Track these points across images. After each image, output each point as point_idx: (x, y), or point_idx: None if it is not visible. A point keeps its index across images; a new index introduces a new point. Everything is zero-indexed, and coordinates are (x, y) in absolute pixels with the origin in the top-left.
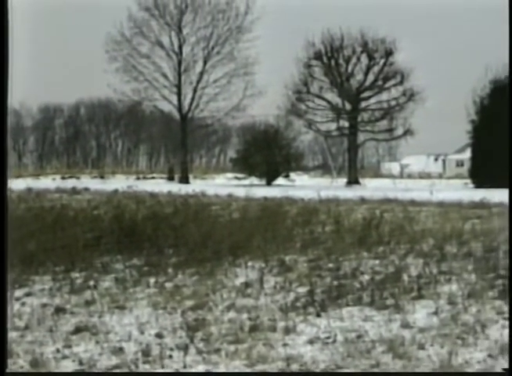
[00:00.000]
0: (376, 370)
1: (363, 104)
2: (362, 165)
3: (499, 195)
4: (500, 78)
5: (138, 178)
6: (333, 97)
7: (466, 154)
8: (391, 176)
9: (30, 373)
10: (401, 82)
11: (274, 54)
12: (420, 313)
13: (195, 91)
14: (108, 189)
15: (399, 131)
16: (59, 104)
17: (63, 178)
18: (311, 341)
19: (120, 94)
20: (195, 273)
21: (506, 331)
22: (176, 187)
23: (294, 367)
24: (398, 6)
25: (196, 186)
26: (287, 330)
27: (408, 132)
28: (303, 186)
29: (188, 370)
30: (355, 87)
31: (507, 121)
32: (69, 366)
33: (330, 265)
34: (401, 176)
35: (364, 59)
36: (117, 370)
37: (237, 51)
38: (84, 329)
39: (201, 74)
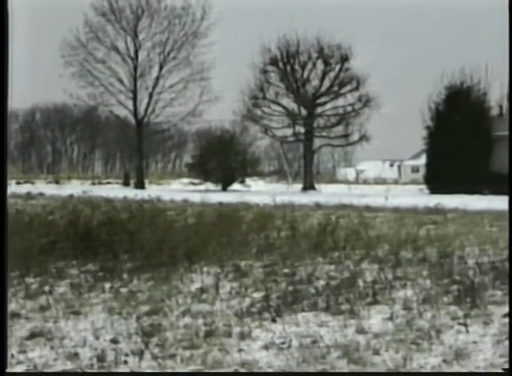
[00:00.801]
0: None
1: (319, 110)
2: (318, 171)
3: (453, 201)
4: (455, 84)
5: (93, 184)
6: (289, 103)
7: (422, 160)
8: (346, 182)
9: (30, 373)
10: (356, 88)
11: (230, 59)
12: (375, 319)
13: (151, 96)
14: (63, 194)
15: (355, 136)
16: (15, 110)
17: (17, 183)
18: (266, 347)
19: (76, 99)
20: (150, 279)
21: (461, 337)
22: (132, 192)
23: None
24: (353, 11)
25: (151, 191)
26: (242, 336)
27: (363, 138)
28: (259, 192)
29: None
30: (310, 93)
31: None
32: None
33: (286, 270)
34: (356, 182)
35: (320, 65)
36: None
37: (193, 56)
38: (39, 334)
39: (157, 79)
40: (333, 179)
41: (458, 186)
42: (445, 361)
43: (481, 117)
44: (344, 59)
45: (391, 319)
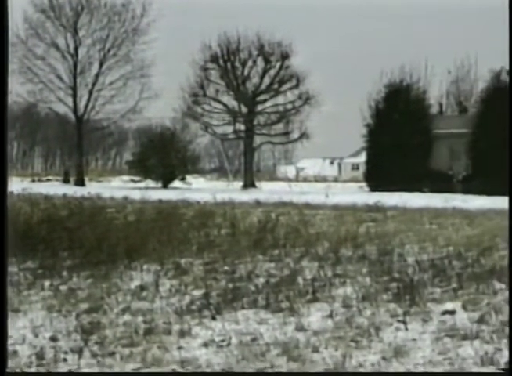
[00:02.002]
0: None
1: (259, 107)
2: (259, 168)
3: (393, 198)
4: (395, 82)
5: (33, 181)
6: (230, 100)
7: (362, 158)
8: (286, 179)
9: (30, 373)
10: (297, 86)
11: (170, 56)
12: (315, 316)
13: (90, 93)
14: None
15: (295, 134)
16: None
17: None
18: (205, 344)
19: (16, 96)
20: (90, 276)
21: (400, 334)
22: (71, 190)
23: (188, 370)
24: (294, 9)
25: (91, 188)
26: (182, 334)
27: (304, 136)
28: (199, 189)
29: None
30: (251, 90)
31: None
32: None
33: (226, 268)
34: (297, 179)
35: (260, 63)
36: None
37: (133, 53)
38: None
39: (97, 76)
40: (273, 177)
41: (398, 184)
42: (384, 358)
43: (420, 114)
44: (285, 56)
45: (330, 316)
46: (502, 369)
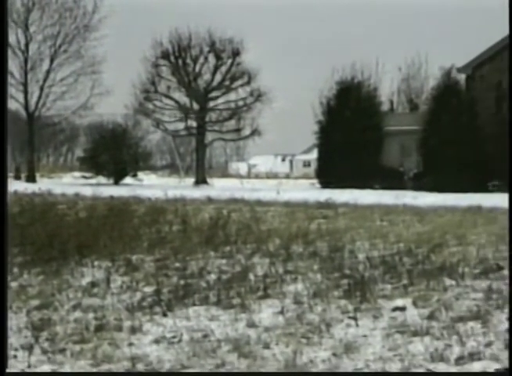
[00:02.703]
0: (221, 369)
1: (211, 104)
2: (210, 165)
3: (344, 195)
4: (346, 79)
5: None
6: (181, 97)
7: (313, 155)
8: (238, 176)
9: (30, 373)
10: (248, 82)
11: (122, 53)
12: (266, 313)
13: (42, 89)
14: None
15: (247, 131)
16: None
17: None
18: (156, 341)
19: None
20: (41, 273)
21: (351, 330)
22: (22, 186)
23: (139, 367)
24: (245, 6)
25: (42, 184)
26: (133, 330)
27: (255, 132)
28: (151, 186)
29: (33, 370)
30: (202, 87)
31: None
32: None
33: (177, 264)
34: (248, 176)
35: (212, 59)
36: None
37: (84, 49)
38: None
39: (48, 72)
40: (225, 173)
41: (349, 181)
42: (334, 355)
43: (371, 112)
44: (236, 53)
45: (281, 313)
46: (504, 369)
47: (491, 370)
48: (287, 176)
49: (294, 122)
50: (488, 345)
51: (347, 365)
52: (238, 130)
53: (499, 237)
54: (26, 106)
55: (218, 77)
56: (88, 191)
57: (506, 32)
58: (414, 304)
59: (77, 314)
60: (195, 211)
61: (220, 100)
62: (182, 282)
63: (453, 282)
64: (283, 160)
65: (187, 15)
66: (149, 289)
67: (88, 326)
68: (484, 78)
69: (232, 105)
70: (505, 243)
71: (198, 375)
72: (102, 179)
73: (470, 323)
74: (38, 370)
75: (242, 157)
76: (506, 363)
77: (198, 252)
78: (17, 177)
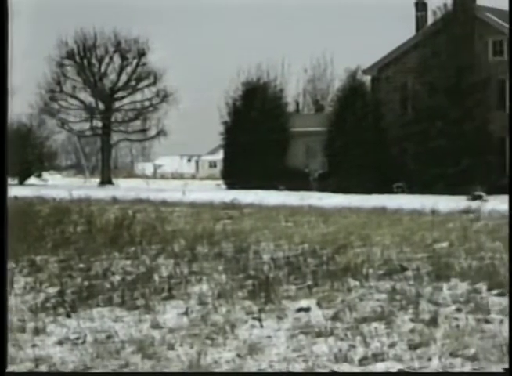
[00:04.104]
0: (125, 370)
1: (117, 104)
2: (116, 165)
3: (250, 196)
4: (252, 80)
5: None
6: (87, 97)
7: (219, 155)
8: (144, 177)
9: (30, 373)
10: (154, 83)
11: (26, 53)
12: (171, 314)
13: None
14: None
15: (153, 131)
16: None
17: None
18: (60, 342)
19: None
20: None
21: (255, 331)
22: None
23: (43, 368)
24: (151, 6)
25: None
26: (37, 331)
27: (161, 133)
28: (55, 186)
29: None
30: (108, 87)
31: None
32: None
33: (81, 265)
34: (154, 177)
35: (117, 59)
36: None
37: None
38: None
39: None
40: (131, 174)
41: (254, 182)
42: (239, 355)
43: (277, 113)
44: (141, 53)
45: (186, 314)
46: (504, 369)
47: (394, 370)
48: (193, 177)
49: (200, 123)
50: (392, 345)
51: (251, 366)
52: (144, 130)
53: (403, 238)
54: None
55: (124, 78)
56: None
57: (412, 33)
58: (318, 305)
59: None
60: (100, 211)
61: (126, 101)
62: (86, 283)
63: (357, 283)
64: (189, 160)
65: (93, 14)
66: (52, 290)
67: None
68: (389, 80)
69: (138, 105)
70: (409, 244)
71: (198, 375)
72: None
73: (374, 324)
74: None
75: (148, 157)
76: (415, 364)
77: (102, 253)
78: None
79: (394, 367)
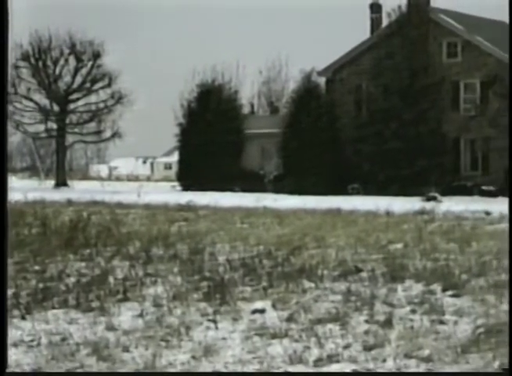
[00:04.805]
0: (79, 370)
1: (72, 106)
2: (71, 167)
3: (205, 198)
4: (207, 82)
5: None
6: (42, 99)
7: (175, 157)
8: (99, 178)
9: (30, 373)
10: (109, 85)
11: None
12: (125, 316)
13: None
14: None
15: (108, 133)
16: None
17: None
18: (15, 344)
19: None
20: None
21: (210, 333)
22: None
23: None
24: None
25: None
26: None
27: (116, 135)
28: (10, 188)
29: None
30: (63, 89)
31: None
32: None
33: (36, 267)
34: (109, 179)
35: (72, 61)
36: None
37: None
38: None
39: None
40: (86, 176)
41: (210, 183)
42: (194, 357)
43: (232, 114)
44: (96, 55)
45: (141, 316)
46: (503, 369)
47: (348, 370)
48: (148, 179)
49: (156, 125)
50: (347, 347)
51: (206, 367)
52: (99, 132)
53: (358, 240)
54: None
55: (79, 80)
56: None
57: (367, 35)
58: (273, 306)
59: None
60: (55, 213)
61: (80, 102)
62: (41, 285)
63: (312, 284)
64: (144, 162)
65: (48, 16)
66: (7, 292)
67: None
68: (344, 81)
69: (93, 107)
70: (364, 245)
71: (198, 375)
72: None
73: (329, 326)
74: None
75: (103, 159)
76: (370, 365)
77: (57, 255)
78: None
79: (349, 368)
